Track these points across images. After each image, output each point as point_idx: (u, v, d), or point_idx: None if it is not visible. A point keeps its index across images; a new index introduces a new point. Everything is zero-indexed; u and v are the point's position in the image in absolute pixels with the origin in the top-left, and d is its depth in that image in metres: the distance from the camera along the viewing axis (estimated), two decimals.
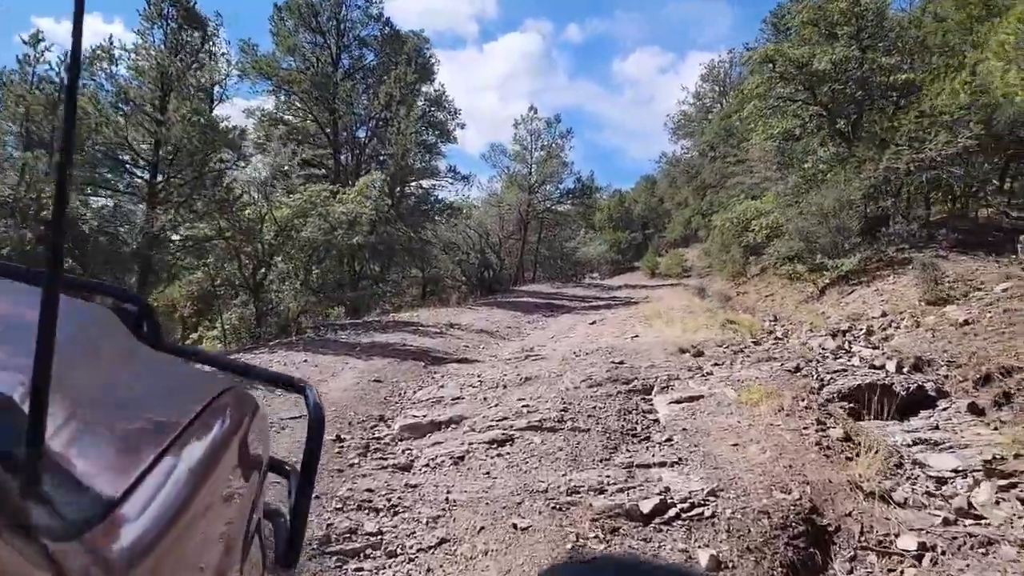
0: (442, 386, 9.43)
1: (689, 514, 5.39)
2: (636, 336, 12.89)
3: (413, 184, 31.46)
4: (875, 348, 10.82)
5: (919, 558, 4.83)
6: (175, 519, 0.71)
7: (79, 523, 0.57)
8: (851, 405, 8.14)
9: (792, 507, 5.28)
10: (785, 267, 19.65)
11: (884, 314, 13.02)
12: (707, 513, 5.34)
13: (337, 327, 15.66)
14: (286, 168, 20.02)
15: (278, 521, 1.13)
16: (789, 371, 8.75)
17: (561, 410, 7.64)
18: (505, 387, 9.12)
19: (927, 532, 5.11)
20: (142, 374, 0.97)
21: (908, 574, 4.74)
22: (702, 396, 8.16)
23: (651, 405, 8.24)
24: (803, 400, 7.46)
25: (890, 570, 4.83)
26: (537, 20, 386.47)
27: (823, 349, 11.21)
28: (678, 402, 8.14)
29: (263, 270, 16.31)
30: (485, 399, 8.58)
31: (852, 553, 4.98)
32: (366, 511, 5.52)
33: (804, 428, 6.72)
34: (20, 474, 0.52)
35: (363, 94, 26.15)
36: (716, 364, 9.66)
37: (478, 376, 9.91)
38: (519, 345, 13.35)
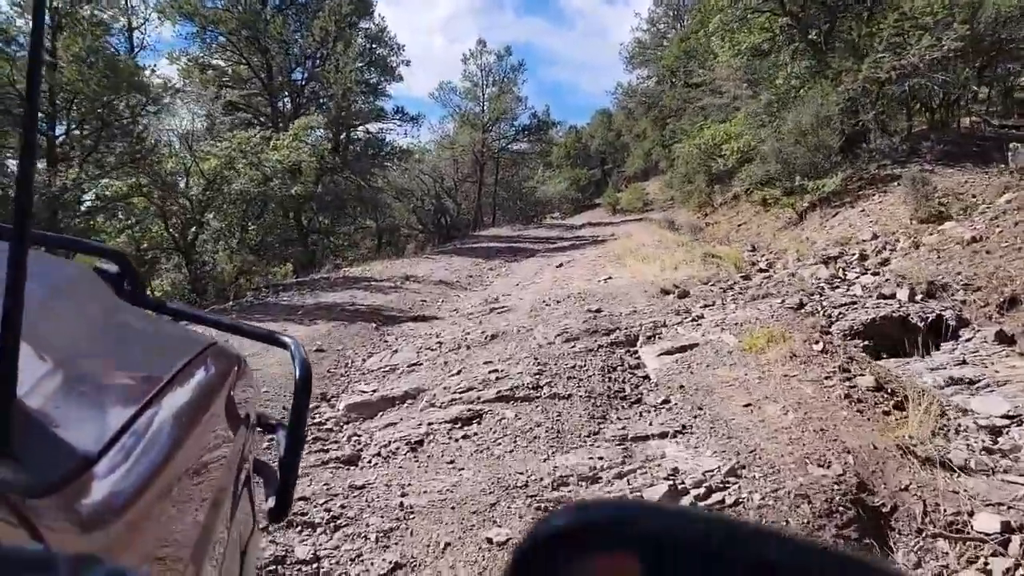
0: (396, 351, 8.18)
1: (707, 502, 4.30)
2: (610, 278, 11.74)
3: (360, 129, 29.54)
4: (875, 274, 9.84)
5: (1005, 543, 3.81)
6: (156, 474, 0.70)
7: (54, 480, 0.57)
8: (866, 343, 7.12)
9: (835, 486, 4.20)
10: (759, 192, 18.62)
11: (875, 236, 12.07)
12: (730, 500, 4.26)
13: (281, 288, 14.20)
14: (210, 113, 18.06)
15: (268, 475, 1.14)
16: (791, 308, 7.65)
17: (536, 373, 6.47)
18: (469, 348, 7.91)
19: (1009, 508, 4.09)
20: (123, 331, 0.97)
21: (994, 565, 3.72)
22: (696, 344, 7.05)
23: (638, 359, 7.11)
24: (816, 342, 6.39)
25: (969, 561, 3.80)
26: None
27: (817, 279, 10.19)
28: (669, 353, 7.03)
29: (193, 229, 14.66)
30: (446, 364, 7.36)
31: (917, 540, 3.95)
32: (299, 528, 4.29)
33: (826, 377, 5.65)
34: None
35: (296, 32, 23.89)
36: (706, 305, 8.56)
37: (437, 336, 8.67)
38: (482, 296, 12.12)
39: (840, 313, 7.69)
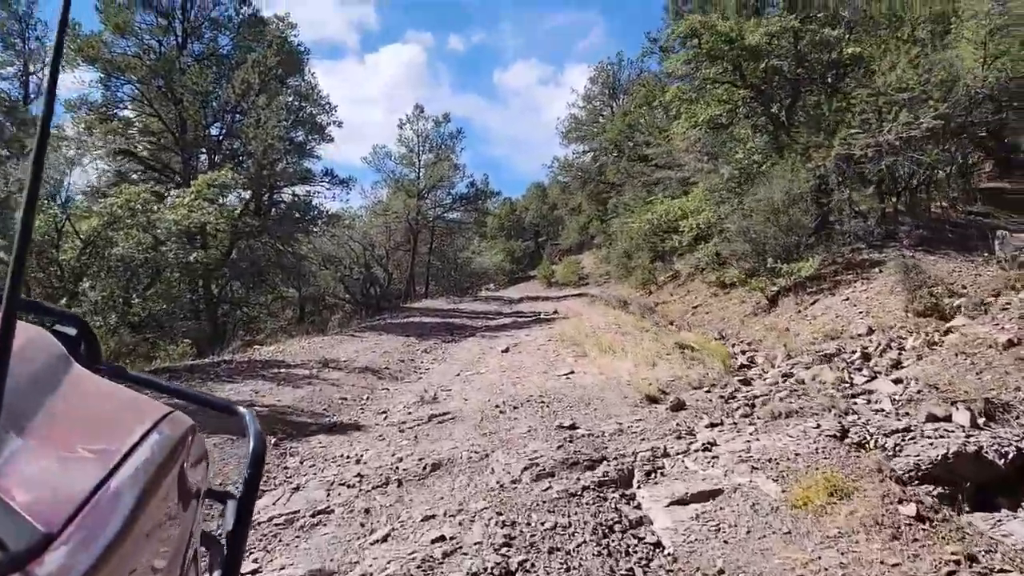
0: (298, 486, 5.89)
1: None
2: (572, 373, 9.78)
3: (286, 191, 27.27)
4: (896, 382, 8.20)
5: None
6: (113, 548, 0.71)
7: (21, 554, 0.58)
8: (940, 489, 5.30)
9: None
10: (715, 273, 17.26)
11: (871, 331, 10.61)
12: None
13: (168, 373, 11.63)
14: (91, 164, 15.54)
15: (215, 548, 1.14)
16: (833, 437, 5.81)
17: (502, 545, 4.35)
18: (401, 484, 5.72)
19: None
20: (81, 398, 0.97)
21: None
22: (720, 492, 5.08)
23: (640, 511, 5.08)
24: (901, 501, 4.51)
25: None
26: (418, 31, 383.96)
27: (823, 384, 8.49)
28: (683, 503, 5.03)
29: (63, 301, 12.01)
30: (367, 514, 5.16)
31: None
32: None
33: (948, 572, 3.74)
34: None
35: (215, 84, 21.70)
36: (712, 424, 6.65)
37: (358, 460, 6.45)
38: (417, 391, 9.92)
39: (897, 445, 5.88)
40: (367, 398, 9.67)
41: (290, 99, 22.90)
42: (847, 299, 12.03)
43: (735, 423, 6.67)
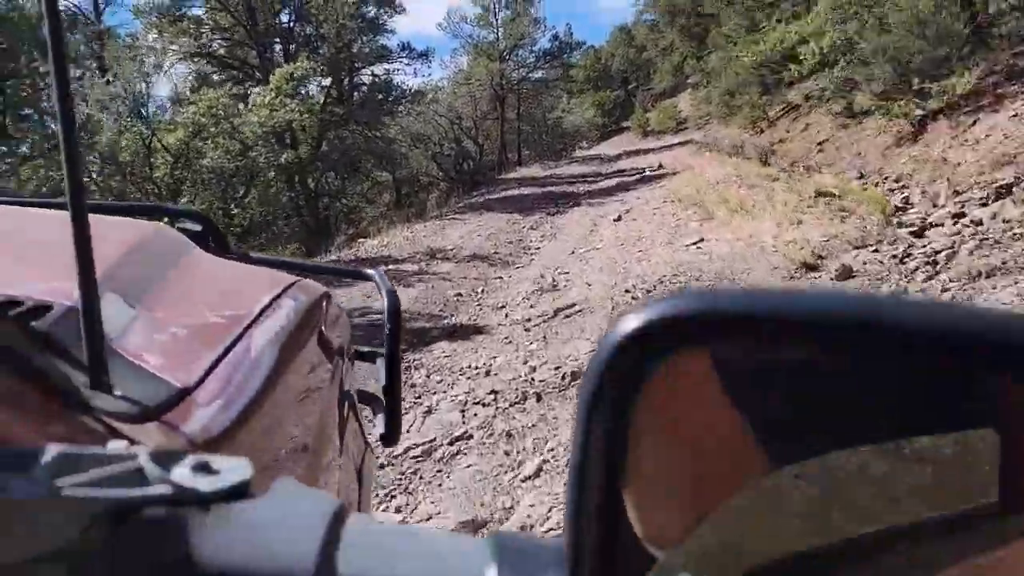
0: (429, 409, 5.42)
1: None
2: (702, 240, 8.79)
3: (365, 73, 26.28)
4: None
5: None
6: (256, 402, 0.73)
7: (152, 409, 0.60)
8: None
9: None
10: (846, 100, 15.25)
11: None
12: None
13: None
14: (171, 71, 15.02)
15: (377, 404, 1.23)
16: None
17: None
18: (540, 399, 5.16)
19: None
20: (211, 278, 1.02)
21: None
22: None
23: None
24: None
25: None
26: None
27: (1005, 223, 7.14)
28: None
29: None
30: (510, 442, 4.63)
31: None
32: None
33: None
34: (87, 370, 0.55)
35: None
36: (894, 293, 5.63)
37: (487, 372, 5.90)
38: (533, 277, 9.27)
39: None
40: (482, 291, 9.10)
41: None
42: (1016, 115, 10.14)
43: (921, 290, 5.61)
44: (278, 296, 0.96)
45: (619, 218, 12.67)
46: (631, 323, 0.27)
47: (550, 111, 36.17)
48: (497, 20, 31.83)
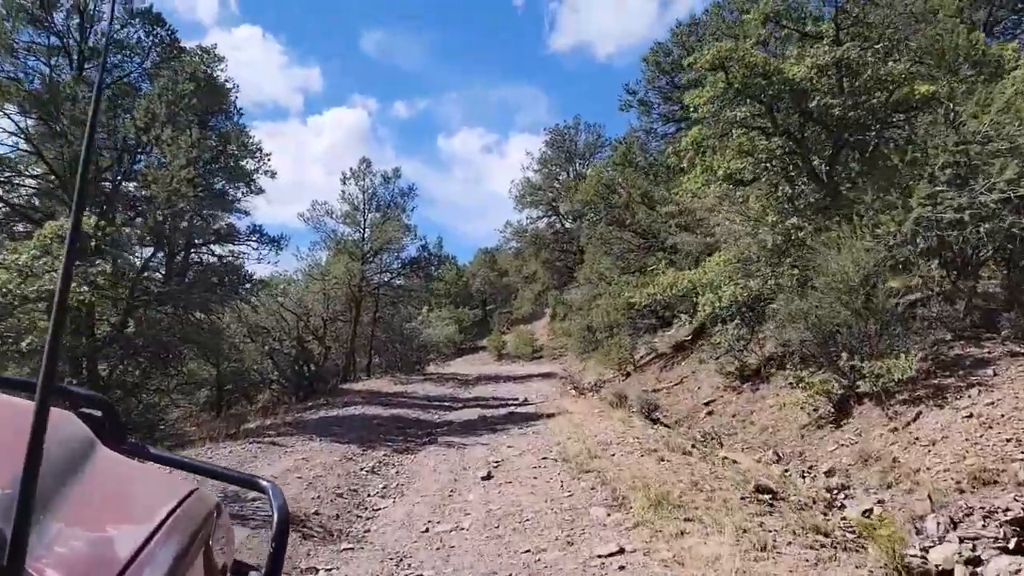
0: None
1: None
2: (623, 552, 5.94)
3: (205, 251, 23.03)
4: None
5: None
6: None
7: None
8: None
9: None
10: (737, 362, 13.90)
11: None
12: None
13: None
14: None
15: None
16: None
17: None
18: None
19: None
20: (109, 479, 1.01)
21: None
22: None
23: None
24: None
25: None
26: (364, 96, 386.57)
27: None
28: None
29: None
30: None
31: None
32: None
33: None
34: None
35: (112, 117, 17.52)
36: None
37: None
38: None
39: None
40: None
41: (212, 142, 18.90)
42: (970, 415, 8.65)
43: None
44: (174, 509, 0.96)
45: (489, 476, 9.72)
46: None
47: (408, 320, 33.85)
48: (365, 220, 30.15)
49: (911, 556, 5.80)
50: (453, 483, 9.58)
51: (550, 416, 14.52)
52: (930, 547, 5.99)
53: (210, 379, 25.24)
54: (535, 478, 9.33)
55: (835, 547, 5.72)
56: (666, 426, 13.31)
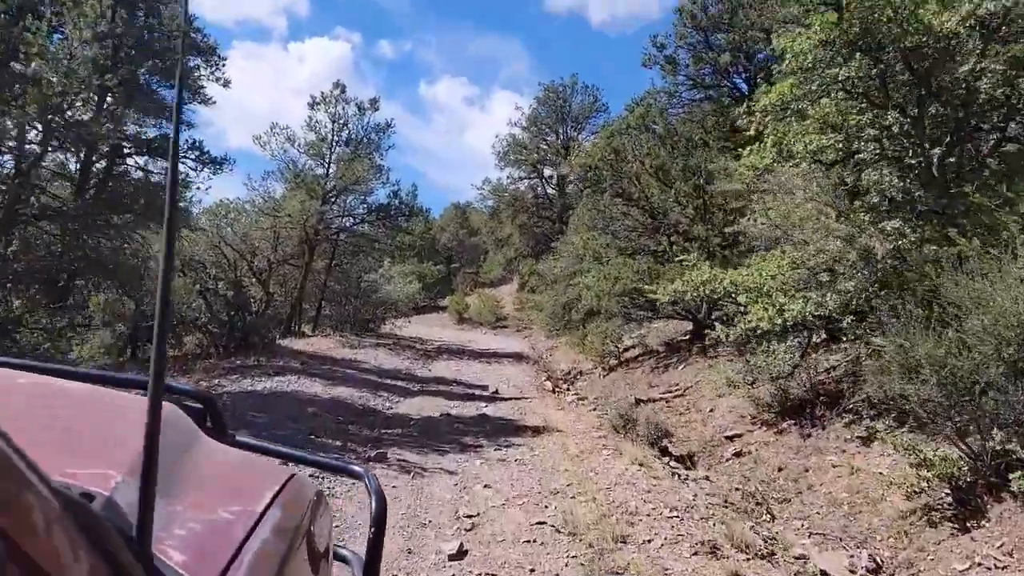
0: None
1: None
2: None
3: (131, 164, 19.03)
4: None
5: None
6: None
7: None
8: None
9: None
10: (780, 399, 10.88)
11: None
12: None
13: None
14: None
15: None
16: None
17: None
18: None
19: None
20: (214, 466, 1.05)
21: None
22: None
23: None
24: None
25: None
26: (348, 30, 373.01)
27: None
28: None
29: None
30: None
31: None
32: None
33: None
34: (140, 559, 0.60)
35: None
36: None
37: None
38: None
39: None
40: None
41: (140, 22, 14.81)
42: None
43: None
44: (278, 493, 0.99)
45: (460, 553, 6.42)
46: None
47: (367, 272, 30.15)
48: (332, 154, 26.15)
49: None
50: (405, 559, 6.26)
51: (535, 433, 11.29)
52: None
53: (129, 315, 21.38)
54: (532, 570, 6.08)
55: None
56: (690, 465, 10.19)
